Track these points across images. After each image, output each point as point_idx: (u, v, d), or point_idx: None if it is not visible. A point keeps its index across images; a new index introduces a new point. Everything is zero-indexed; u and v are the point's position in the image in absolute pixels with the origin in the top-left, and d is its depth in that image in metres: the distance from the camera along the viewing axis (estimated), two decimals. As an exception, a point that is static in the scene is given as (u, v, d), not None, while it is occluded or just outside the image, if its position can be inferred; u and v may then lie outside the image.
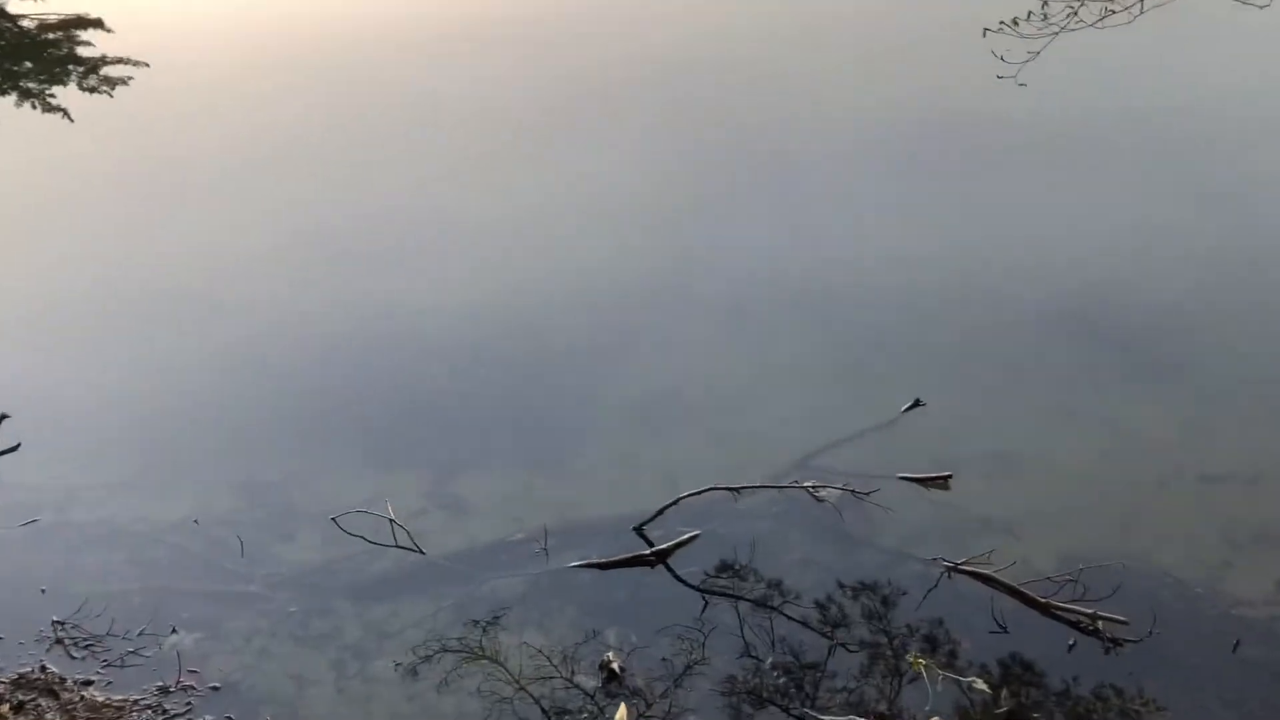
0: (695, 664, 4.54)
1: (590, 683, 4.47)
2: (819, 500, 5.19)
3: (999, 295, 6.73)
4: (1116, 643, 4.50)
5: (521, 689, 4.45)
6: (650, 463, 5.62)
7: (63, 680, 4.53)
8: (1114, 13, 9.24)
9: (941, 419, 5.78)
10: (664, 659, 4.56)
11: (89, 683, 4.53)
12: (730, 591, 4.88)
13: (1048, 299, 6.66)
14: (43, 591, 5.00)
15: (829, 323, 6.68)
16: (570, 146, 8.73)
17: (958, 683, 4.34)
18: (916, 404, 5.83)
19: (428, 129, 9.20)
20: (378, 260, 7.34)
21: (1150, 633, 4.52)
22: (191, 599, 4.96)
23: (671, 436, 5.81)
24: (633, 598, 4.90)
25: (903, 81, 9.53)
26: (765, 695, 4.42)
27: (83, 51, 10.74)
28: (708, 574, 4.97)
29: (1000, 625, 4.63)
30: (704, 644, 4.61)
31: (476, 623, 4.77)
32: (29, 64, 10.73)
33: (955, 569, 4.84)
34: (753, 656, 4.57)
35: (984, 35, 8.99)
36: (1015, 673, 4.43)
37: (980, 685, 4.31)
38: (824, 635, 4.64)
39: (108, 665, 4.61)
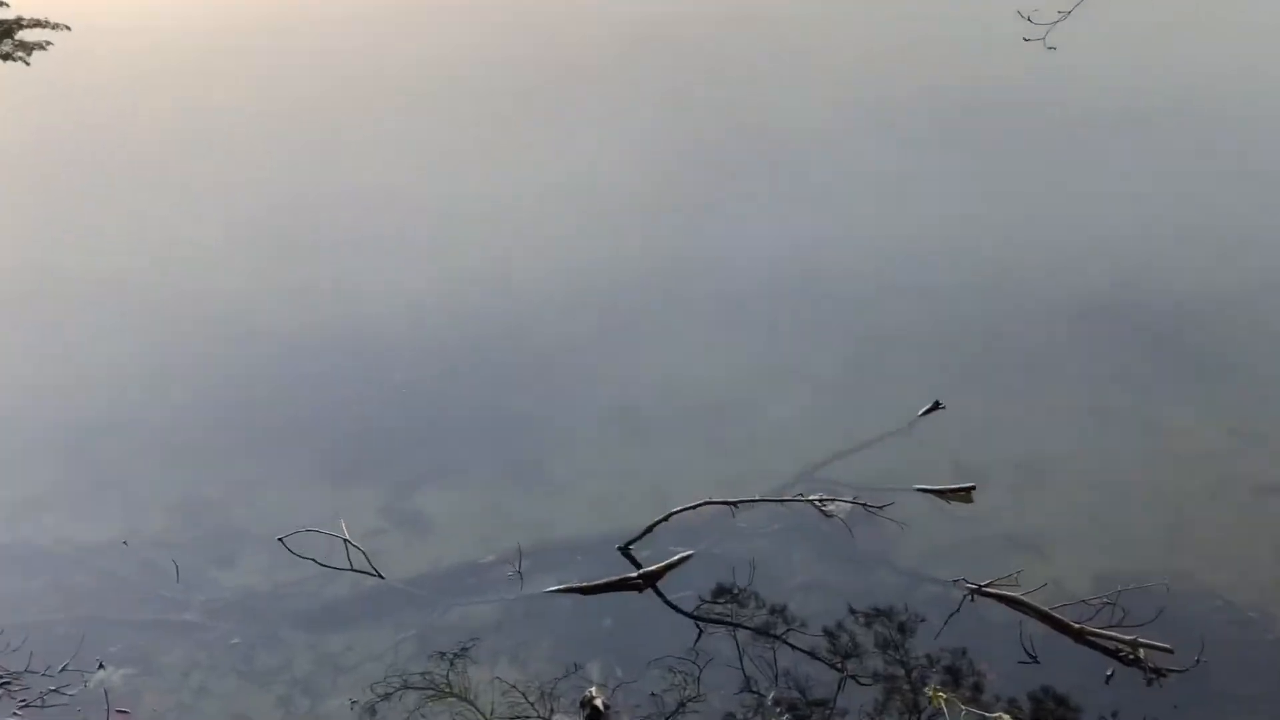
0: (689, 700, 4.33)
1: (571, 723, 4.25)
2: (827, 515, 4.99)
3: (1024, 285, 6.54)
4: (1160, 673, 4.29)
5: (493, 731, 4.23)
6: (637, 473, 5.42)
7: (-28, 723, 4.25)
8: None
9: (963, 423, 5.58)
10: (653, 694, 4.35)
11: (3, 726, 4.26)
12: (728, 618, 4.65)
13: (1078, 289, 6.48)
14: (-51, 622, 4.72)
15: (837, 316, 6.48)
16: (555, 127, 8.64)
17: (983, 719, 4.12)
18: (935, 407, 5.63)
19: (377, 104, 9.16)
20: (329, 246, 7.18)
21: (1197, 661, 4.30)
22: (121, 629, 4.74)
23: (661, 443, 5.61)
24: (618, 626, 4.70)
25: (923, 50, 9.50)
26: (768, 736, 4.20)
27: (-6, 14, 10.63)
28: (702, 599, 4.74)
29: (1030, 654, 4.41)
30: (699, 677, 4.39)
31: (443, 655, 4.57)
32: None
33: (979, 591, 4.63)
34: (754, 691, 4.35)
35: None
36: (1047, 707, 4.23)
37: (1008, 722, 4.13)
38: (833, 667, 4.42)
39: (26, 705, 4.38)
